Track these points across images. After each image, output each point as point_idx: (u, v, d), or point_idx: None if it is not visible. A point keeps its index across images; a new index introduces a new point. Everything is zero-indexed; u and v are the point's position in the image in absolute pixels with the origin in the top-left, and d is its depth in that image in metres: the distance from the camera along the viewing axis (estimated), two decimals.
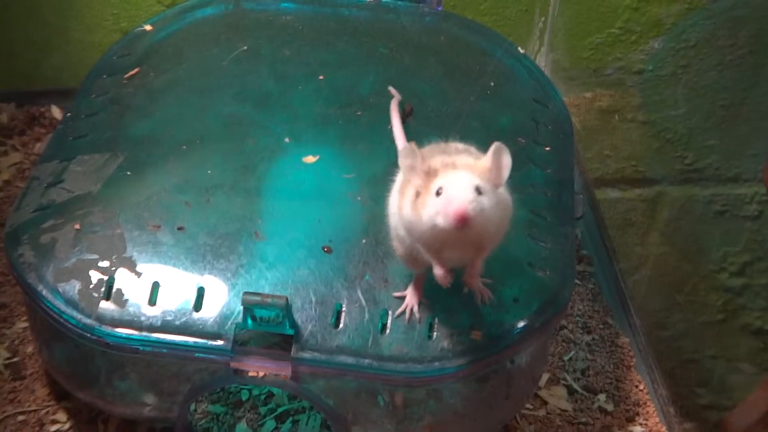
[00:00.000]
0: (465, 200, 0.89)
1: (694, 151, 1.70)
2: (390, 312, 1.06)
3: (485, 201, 0.91)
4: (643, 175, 1.73)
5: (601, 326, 1.42)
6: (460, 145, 1.02)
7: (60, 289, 1.08)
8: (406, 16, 1.45)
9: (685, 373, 1.57)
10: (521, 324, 1.08)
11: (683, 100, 1.67)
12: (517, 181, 1.19)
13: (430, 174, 0.94)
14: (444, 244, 0.96)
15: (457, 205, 0.89)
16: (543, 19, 1.70)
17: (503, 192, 0.97)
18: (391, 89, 1.28)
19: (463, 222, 0.89)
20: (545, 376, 1.32)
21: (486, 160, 0.95)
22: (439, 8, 1.46)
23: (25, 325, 1.31)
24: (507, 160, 0.95)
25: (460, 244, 0.96)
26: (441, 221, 0.90)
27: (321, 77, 1.32)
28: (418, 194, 0.94)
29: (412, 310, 1.06)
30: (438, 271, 0.99)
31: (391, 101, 1.26)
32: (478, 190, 0.91)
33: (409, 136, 1.22)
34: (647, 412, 1.31)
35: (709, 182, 1.72)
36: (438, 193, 0.91)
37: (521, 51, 1.43)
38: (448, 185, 0.91)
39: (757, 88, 1.63)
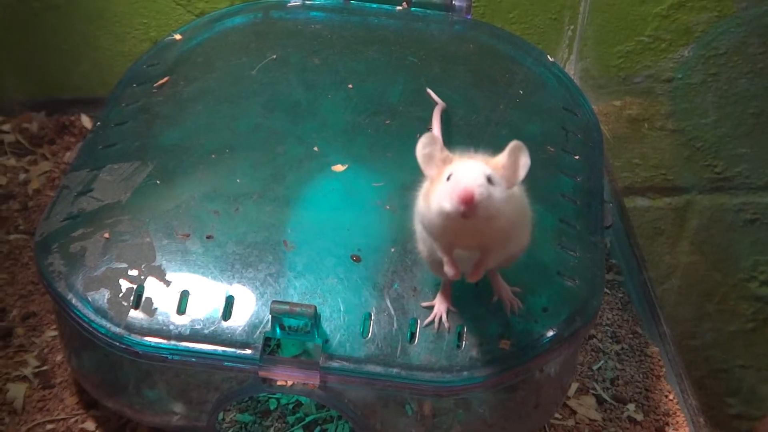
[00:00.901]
0: (473, 183, 0.88)
1: (724, 160, 1.69)
2: (419, 321, 1.06)
3: (495, 191, 0.90)
4: (673, 183, 1.72)
5: (631, 336, 1.41)
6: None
7: (89, 298, 1.08)
8: (436, 24, 1.45)
9: (715, 383, 1.56)
10: (550, 333, 1.07)
11: (713, 108, 1.66)
12: (546, 190, 1.20)
13: (445, 162, 0.93)
14: (453, 235, 0.94)
15: (464, 186, 0.88)
16: (572, 27, 1.69)
17: (519, 193, 0.96)
18: (432, 94, 1.28)
19: (468, 203, 0.87)
20: (574, 386, 1.31)
21: (502, 157, 0.93)
22: (468, 17, 1.46)
23: (55, 333, 1.31)
24: (525, 160, 0.93)
25: (468, 235, 0.94)
26: (447, 205, 0.89)
27: (350, 86, 1.31)
28: (431, 182, 0.94)
29: (440, 319, 1.06)
30: (447, 268, 0.98)
31: (435, 108, 1.25)
32: (490, 180, 0.90)
33: None
34: (677, 422, 1.30)
35: (739, 190, 1.71)
36: (449, 179, 0.90)
37: (550, 59, 1.43)
38: (458, 170, 0.90)
39: None
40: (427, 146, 0.94)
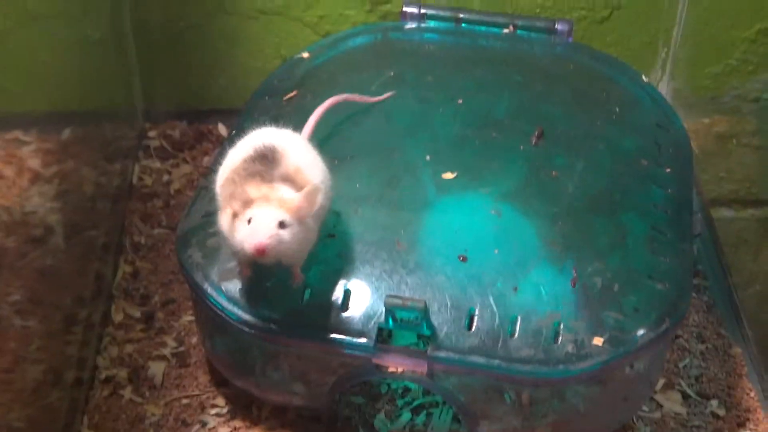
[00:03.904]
0: (265, 235, 0.96)
1: None
2: (519, 317, 1.05)
3: (285, 235, 0.97)
4: (757, 196, 1.69)
5: (715, 336, 1.37)
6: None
7: (223, 288, 1.09)
8: (539, 46, 1.43)
9: None
10: (641, 332, 1.06)
11: None
12: (639, 200, 1.18)
13: (246, 204, 0.98)
14: (252, 259, 1.01)
15: (258, 240, 0.96)
16: (666, 50, 1.66)
17: (310, 221, 1.01)
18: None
19: (261, 253, 0.96)
20: (661, 381, 1.28)
21: (298, 197, 0.99)
22: (570, 39, 1.44)
23: (191, 318, 1.33)
24: (318, 199, 1.00)
25: (264, 261, 1.00)
26: (247, 248, 0.96)
27: (460, 101, 1.30)
28: (235, 215, 0.98)
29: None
30: (244, 270, 1.08)
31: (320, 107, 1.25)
32: (282, 224, 0.97)
33: (540, 157, 1.21)
34: (757, 418, 1.27)
35: None
36: (249, 221, 0.97)
37: (645, 79, 1.41)
38: (256, 217, 0.97)
39: None
40: (228, 187, 1.02)
